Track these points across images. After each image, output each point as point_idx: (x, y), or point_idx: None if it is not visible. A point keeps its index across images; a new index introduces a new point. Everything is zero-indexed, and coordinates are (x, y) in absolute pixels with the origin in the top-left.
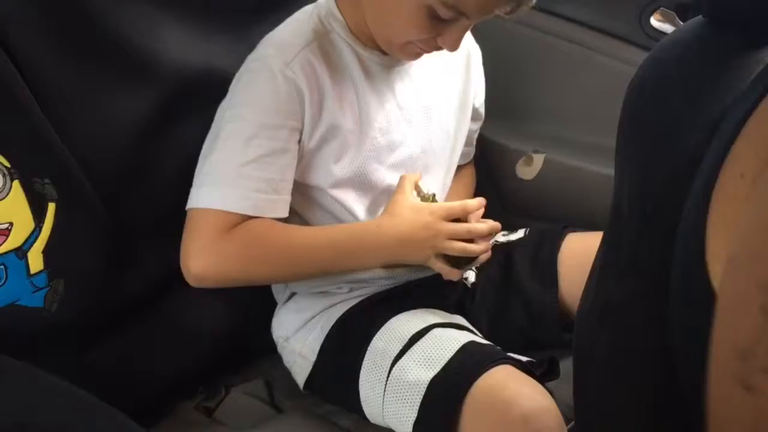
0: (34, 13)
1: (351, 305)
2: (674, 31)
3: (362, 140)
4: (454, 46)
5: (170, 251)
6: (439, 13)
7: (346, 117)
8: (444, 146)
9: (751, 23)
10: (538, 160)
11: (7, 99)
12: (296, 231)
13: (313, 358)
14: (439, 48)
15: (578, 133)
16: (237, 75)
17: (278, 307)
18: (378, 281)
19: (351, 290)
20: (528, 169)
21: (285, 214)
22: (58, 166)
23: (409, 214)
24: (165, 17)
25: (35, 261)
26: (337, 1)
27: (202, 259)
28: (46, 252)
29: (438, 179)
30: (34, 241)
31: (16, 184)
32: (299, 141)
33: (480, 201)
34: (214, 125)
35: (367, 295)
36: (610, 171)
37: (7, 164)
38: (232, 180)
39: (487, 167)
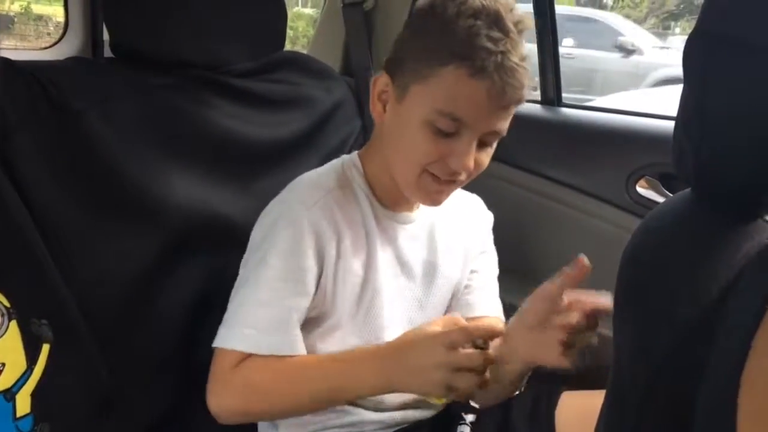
0: (47, 154)
1: None
2: (663, 203)
3: (366, 286)
4: (464, 164)
5: (162, 399)
6: (439, 126)
7: (356, 261)
8: (444, 300)
9: (737, 202)
10: None
11: (14, 236)
12: (293, 361)
13: None
14: (453, 175)
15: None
16: (261, 216)
17: None
18: (366, 424)
19: None
20: None
21: (301, 351)
22: (57, 308)
23: (417, 338)
24: (174, 164)
25: (23, 403)
26: (360, 153)
27: (214, 397)
28: (35, 395)
29: None
30: (24, 383)
31: (13, 324)
32: (318, 282)
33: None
34: (242, 269)
35: None
36: (605, 331)
37: (7, 304)
38: (243, 320)
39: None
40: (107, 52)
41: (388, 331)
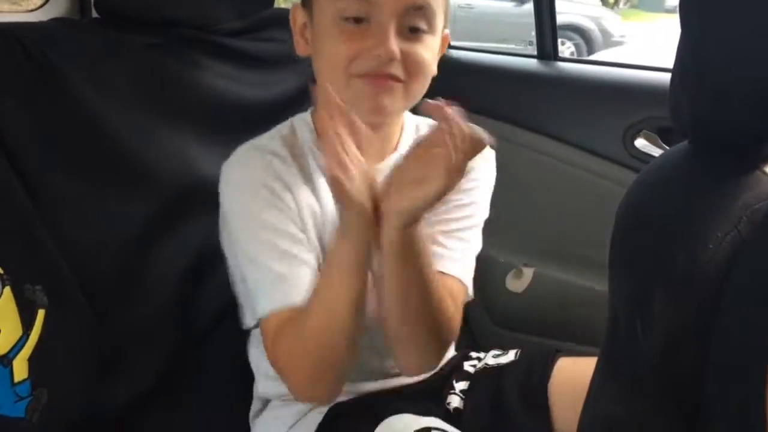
0: (34, 118)
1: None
2: (660, 155)
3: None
4: (385, 48)
5: (158, 361)
6: (347, 14)
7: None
8: None
9: (734, 151)
10: (528, 273)
11: (4, 203)
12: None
13: None
14: (378, 66)
15: (567, 247)
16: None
17: (251, 417)
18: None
19: None
20: (518, 282)
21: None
22: (51, 273)
23: None
24: (164, 126)
25: (20, 369)
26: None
27: (291, 375)
28: (32, 360)
29: None
30: (20, 349)
31: (7, 290)
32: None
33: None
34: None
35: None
36: (600, 286)
37: (0, 270)
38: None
39: (475, 280)
40: (95, 14)
41: None
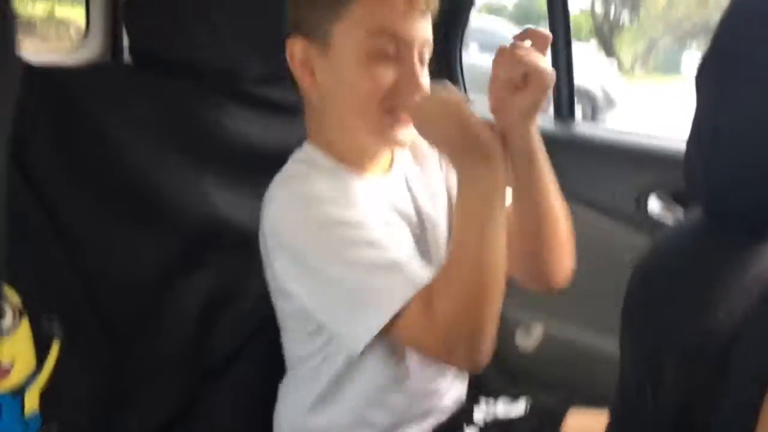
0: (64, 157)
1: None
2: (674, 225)
3: None
4: (419, 84)
5: (169, 399)
6: (378, 49)
7: None
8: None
9: (748, 223)
10: (538, 331)
11: (25, 233)
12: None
13: None
14: (410, 99)
15: (578, 307)
16: (265, 231)
17: None
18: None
19: None
20: (527, 340)
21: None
22: (69, 306)
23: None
24: (190, 170)
25: (31, 401)
26: (307, 141)
27: (446, 350)
28: (44, 393)
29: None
30: (33, 381)
31: (24, 322)
32: None
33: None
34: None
35: None
36: (609, 347)
37: (18, 301)
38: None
39: None
40: (127, 57)
41: None
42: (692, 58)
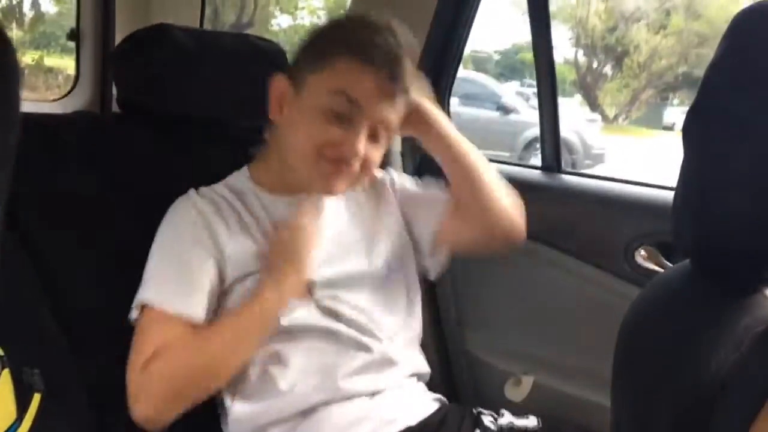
0: (49, 206)
1: None
2: (662, 274)
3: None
4: (355, 147)
5: None
6: (334, 108)
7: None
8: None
9: (736, 274)
10: (527, 382)
11: (16, 286)
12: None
13: None
14: (344, 157)
15: (567, 358)
16: None
17: None
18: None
19: None
20: (517, 391)
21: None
22: (51, 358)
23: None
24: None
25: None
26: (251, 166)
27: (138, 401)
28: None
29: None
30: None
31: (5, 373)
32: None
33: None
34: None
35: None
36: (599, 398)
37: (1, 353)
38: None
39: (473, 384)
40: (115, 106)
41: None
42: (674, 112)
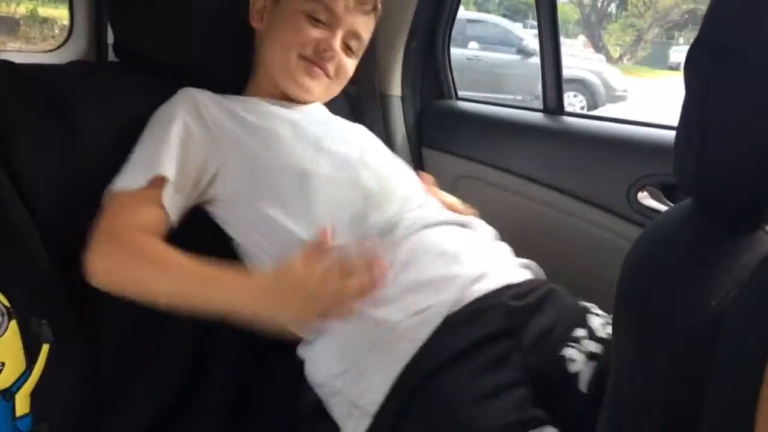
0: (47, 156)
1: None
2: (664, 213)
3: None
4: (331, 44)
5: (161, 400)
6: (314, 14)
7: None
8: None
9: (738, 213)
10: None
11: (13, 236)
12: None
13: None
14: (322, 54)
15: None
16: None
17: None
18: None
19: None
20: None
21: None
22: (57, 308)
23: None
24: None
25: (22, 403)
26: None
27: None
28: (34, 394)
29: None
30: (23, 383)
31: (13, 324)
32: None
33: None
34: None
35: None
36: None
37: (7, 304)
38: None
39: None
40: (111, 56)
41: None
42: (680, 52)
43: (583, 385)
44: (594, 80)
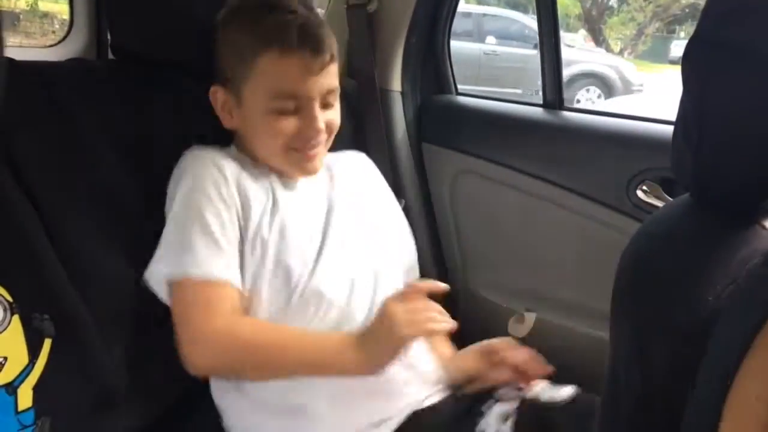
0: (48, 153)
1: None
2: (662, 207)
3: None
4: (316, 128)
5: (163, 396)
6: (280, 108)
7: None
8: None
9: (734, 206)
10: (530, 319)
11: (16, 231)
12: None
13: None
14: (312, 143)
15: (569, 294)
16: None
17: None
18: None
19: None
20: (519, 328)
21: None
22: (59, 303)
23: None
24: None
25: (24, 397)
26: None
27: (192, 344)
28: (37, 389)
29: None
30: (25, 377)
31: (15, 318)
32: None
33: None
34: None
35: None
36: (600, 332)
37: (9, 298)
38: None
39: (478, 322)
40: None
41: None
42: (680, 46)
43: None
44: (611, 74)
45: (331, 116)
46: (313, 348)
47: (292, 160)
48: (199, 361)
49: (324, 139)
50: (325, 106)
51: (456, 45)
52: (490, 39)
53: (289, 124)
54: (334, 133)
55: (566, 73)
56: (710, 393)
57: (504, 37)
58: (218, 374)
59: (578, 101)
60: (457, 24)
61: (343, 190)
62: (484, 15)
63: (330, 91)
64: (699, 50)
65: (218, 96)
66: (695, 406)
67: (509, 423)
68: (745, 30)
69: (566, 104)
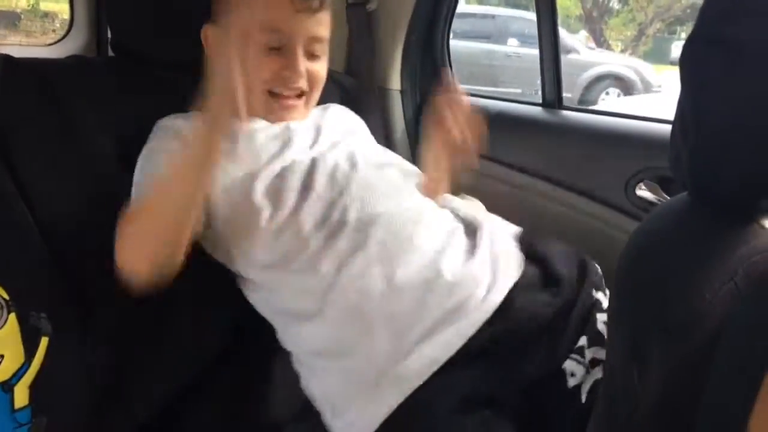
0: (46, 151)
1: None
2: (660, 206)
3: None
4: (296, 70)
5: (160, 395)
6: (265, 42)
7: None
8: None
9: (732, 204)
10: None
11: (13, 230)
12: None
13: None
14: (292, 86)
15: None
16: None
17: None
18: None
19: None
20: None
21: None
22: (56, 301)
23: None
24: None
25: (21, 395)
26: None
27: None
28: (33, 387)
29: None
30: (22, 375)
31: (12, 316)
32: None
33: None
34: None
35: None
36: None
37: (6, 296)
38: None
39: None
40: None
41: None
42: (681, 47)
43: (584, 396)
44: (632, 76)
45: (315, 67)
46: (164, 174)
47: (270, 107)
48: (119, 260)
49: (304, 89)
50: (311, 56)
51: (476, 47)
52: (512, 41)
53: (271, 61)
54: (318, 87)
55: (587, 75)
56: (735, 404)
57: (526, 38)
58: (136, 265)
59: (603, 99)
60: (480, 26)
61: (330, 133)
62: (509, 17)
63: (316, 39)
64: (696, 49)
65: (208, 34)
66: (717, 393)
67: (594, 374)
68: (742, 29)
69: (589, 105)
